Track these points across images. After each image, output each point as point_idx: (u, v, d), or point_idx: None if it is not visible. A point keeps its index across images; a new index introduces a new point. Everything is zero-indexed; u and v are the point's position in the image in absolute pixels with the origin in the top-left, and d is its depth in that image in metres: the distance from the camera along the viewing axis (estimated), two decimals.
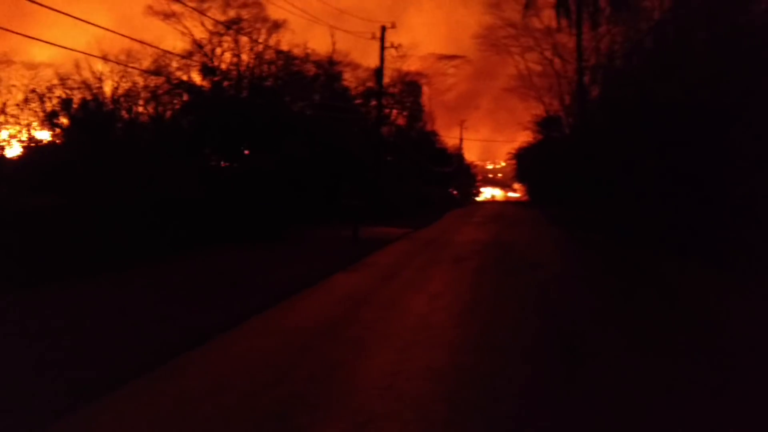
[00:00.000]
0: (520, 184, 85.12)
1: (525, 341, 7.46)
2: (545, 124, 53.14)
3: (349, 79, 41.22)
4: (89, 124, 22.71)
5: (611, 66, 28.00)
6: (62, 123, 23.38)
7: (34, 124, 24.55)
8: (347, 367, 6.36)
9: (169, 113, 27.04)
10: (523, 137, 60.81)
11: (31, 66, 28.71)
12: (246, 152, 27.23)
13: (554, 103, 53.15)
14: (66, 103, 23.44)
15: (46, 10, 11.10)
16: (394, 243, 19.93)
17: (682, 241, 16.29)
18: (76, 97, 23.59)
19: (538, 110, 55.76)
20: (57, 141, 23.22)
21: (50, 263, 11.41)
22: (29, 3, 10.71)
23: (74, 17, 12.35)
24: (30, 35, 14.20)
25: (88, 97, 23.95)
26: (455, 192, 67.98)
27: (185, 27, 30.56)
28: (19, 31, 13.90)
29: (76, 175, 17.92)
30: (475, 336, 7.68)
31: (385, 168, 37.13)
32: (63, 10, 12.20)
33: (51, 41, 15.06)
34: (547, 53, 49.70)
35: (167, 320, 8.18)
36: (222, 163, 26.67)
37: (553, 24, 41.56)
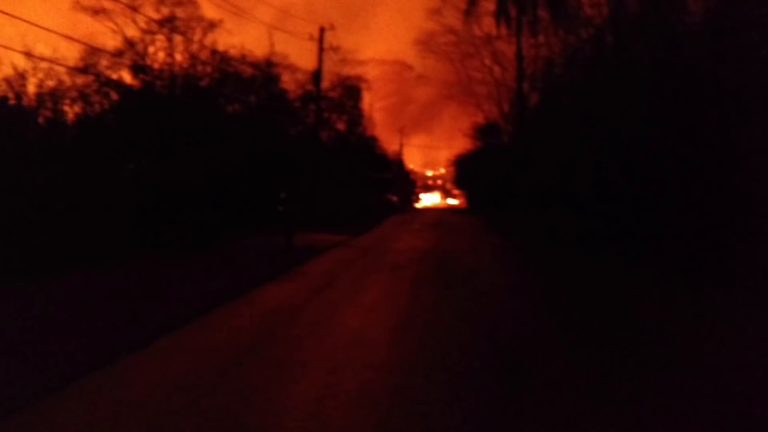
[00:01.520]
0: (459, 191, 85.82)
1: (464, 360, 6.92)
2: (484, 131, 53.59)
3: (287, 81, 40.40)
4: (4, 122, 21.21)
5: (550, 74, 28.16)
6: None
7: None
8: (268, 394, 5.67)
9: (95, 113, 25.75)
10: (463, 144, 61.29)
11: None
12: (177, 155, 26.11)
13: (493, 111, 53.67)
14: None
15: None
16: (331, 251, 19.25)
17: (621, 248, 16.27)
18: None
19: (478, 117, 56.32)
20: None
21: None
22: None
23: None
24: None
25: (9, 95, 22.54)
26: (395, 198, 67.76)
27: (116, 24, 29.26)
28: None
29: None
30: (411, 354, 7.10)
31: (324, 173, 36.45)
32: None
33: None
34: (487, 61, 50.14)
35: (70, 338, 7.29)
36: (151, 166, 25.47)
37: (493, 31, 41.90)
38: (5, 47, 19.76)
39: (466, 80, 55.48)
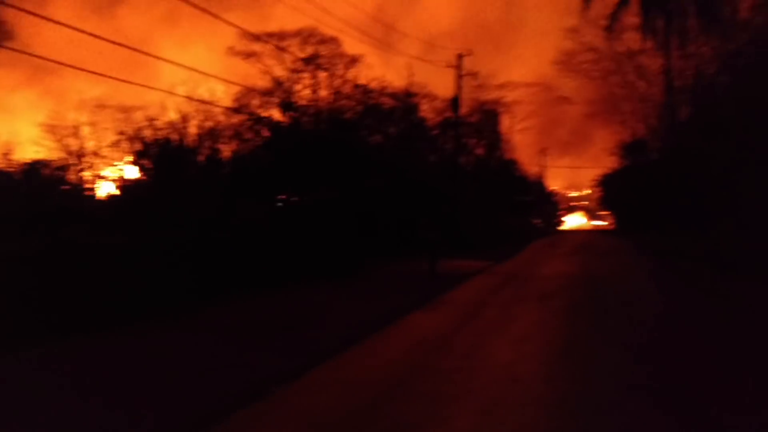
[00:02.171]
0: (606, 212, 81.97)
1: (633, 400, 6.30)
2: (631, 149, 50.87)
3: (426, 110, 40.82)
4: (167, 162, 23.10)
5: (703, 83, 26.22)
6: (145, 163, 24.06)
7: (120, 164, 25.44)
8: None
9: (248, 149, 27.42)
10: (608, 163, 58.63)
11: (123, 109, 30.02)
12: (322, 186, 27.05)
13: (639, 127, 50.92)
14: (148, 144, 24.09)
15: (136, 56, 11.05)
16: (474, 277, 18.87)
17: None
18: (163, 137, 24.26)
19: (623, 135, 53.59)
20: (141, 180, 23.88)
21: (115, 303, 11.10)
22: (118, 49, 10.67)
23: (162, 59, 12.33)
24: (122, 79, 14.47)
25: (175, 137, 24.63)
26: (538, 221, 65.93)
27: (265, 66, 31.28)
28: (111, 75, 14.23)
29: (148, 213, 18.03)
30: (570, 392, 6.58)
31: (464, 198, 36.17)
32: (156, 55, 12.30)
33: (142, 84, 15.42)
34: (631, 76, 47.78)
35: (220, 370, 7.50)
36: (298, 198, 26.57)
37: (636, 46, 39.85)
38: (170, 92, 21.61)
39: (608, 98, 53.21)
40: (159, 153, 23.97)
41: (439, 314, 11.94)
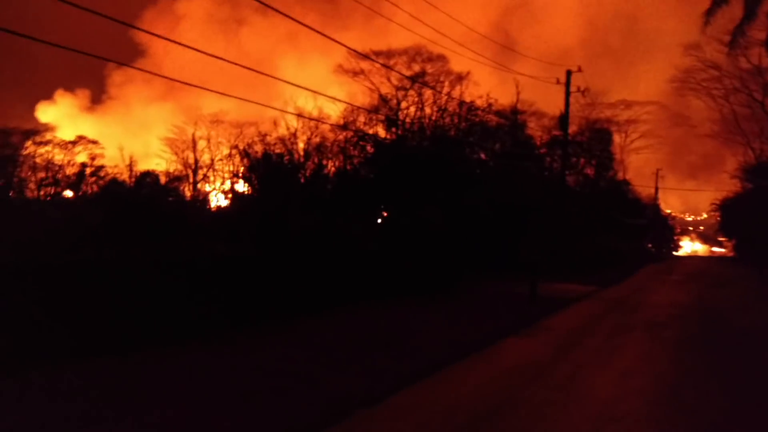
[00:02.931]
0: (726, 238, 76.73)
1: None
2: (756, 172, 47.41)
3: (533, 127, 39.98)
4: (272, 177, 23.77)
5: None
6: (252, 177, 24.93)
7: (230, 178, 26.58)
8: None
9: (353, 165, 27.85)
10: (729, 186, 54.95)
11: (237, 125, 31.56)
12: (422, 202, 26.97)
13: (765, 149, 47.38)
14: (255, 158, 24.96)
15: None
16: (577, 303, 17.98)
17: None
18: (270, 152, 25.11)
19: (747, 157, 50.08)
20: (248, 194, 24.75)
21: (213, 311, 11.36)
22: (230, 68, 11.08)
23: (270, 75, 12.71)
24: (236, 96, 15.06)
25: (283, 152, 25.43)
26: (650, 246, 62.61)
27: (372, 83, 31.81)
28: (224, 92, 14.91)
29: (252, 226, 18.53)
30: None
31: (570, 219, 34.87)
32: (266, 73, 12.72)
33: (254, 101, 16.03)
34: (757, 95, 44.68)
35: (302, 389, 7.39)
36: (399, 214, 26.59)
37: (764, 62, 37.19)
38: (281, 110, 22.42)
39: (731, 117, 50.02)
40: (265, 167, 24.75)
41: (536, 341, 11.37)
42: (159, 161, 29.28)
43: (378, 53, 32.33)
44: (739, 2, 32.84)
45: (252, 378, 7.72)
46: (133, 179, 21.45)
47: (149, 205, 18.20)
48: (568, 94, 28.69)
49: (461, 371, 8.72)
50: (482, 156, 33.54)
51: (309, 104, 25.44)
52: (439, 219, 22.55)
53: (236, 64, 12.63)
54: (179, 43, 12.37)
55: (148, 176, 22.31)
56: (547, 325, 13.35)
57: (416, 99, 32.22)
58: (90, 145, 26.37)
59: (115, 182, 20.42)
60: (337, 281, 15.68)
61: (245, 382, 7.53)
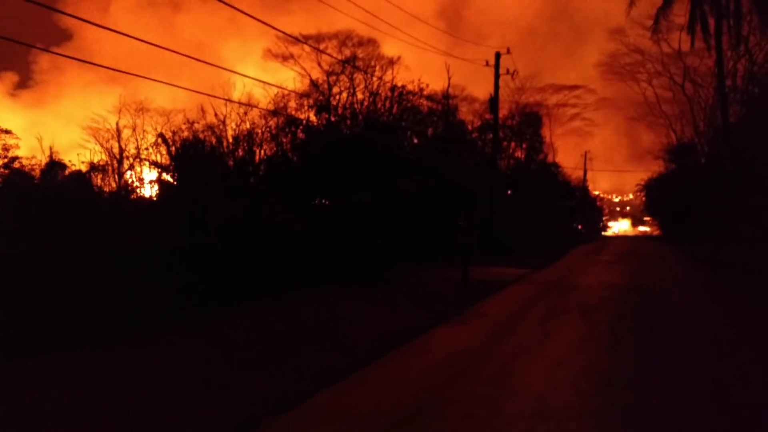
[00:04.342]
0: (651, 218, 79.42)
1: None
2: (677, 153, 49.02)
3: (465, 112, 39.99)
4: (195, 165, 22.67)
5: (761, 81, 24.54)
6: (174, 165, 23.72)
7: (152, 168, 25.21)
8: None
9: (283, 152, 27.01)
10: (653, 167, 56.73)
11: (164, 113, 30.00)
12: (355, 189, 26.36)
13: (687, 130, 48.98)
14: (177, 146, 23.75)
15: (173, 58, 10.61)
16: (510, 286, 17.70)
17: None
18: (192, 139, 23.93)
19: (669, 138, 51.69)
20: (170, 183, 23.54)
21: (126, 309, 10.39)
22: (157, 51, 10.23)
23: (201, 61, 11.77)
24: (162, 81, 14.16)
25: (211, 140, 24.28)
26: (580, 227, 64.01)
27: (303, 68, 31.01)
28: (150, 77, 13.91)
29: (173, 216, 17.51)
30: None
31: (503, 203, 34.94)
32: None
33: (182, 86, 15.03)
34: (678, 78, 45.99)
35: (214, 395, 6.60)
36: (329, 199, 25.91)
37: (685, 47, 38.16)
38: (210, 95, 21.33)
39: (654, 100, 51.46)
40: (187, 156, 23.59)
41: (468, 329, 10.87)
42: (82, 152, 27.55)
43: (307, 37, 31.50)
44: None
45: (149, 386, 6.86)
46: (39, 171, 19.84)
47: (54, 197, 16.83)
48: (497, 76, 28.60)
49: (386, 367, 8.07)
50: (415, 141, 33.17)
51: (239, 90, 24.47)
52: (372, 205, 21.99)
53: (160, 47, 11.81)
54: (99, 26, 11.37)
55: (57, 167, 20.75)
56: (479, 312, 12.91)
57: (348, 84, 31.56)
58: (3, 135, 24.42)
59: (17, 173, 18.79)
60: (265, 271, 14.90)
61: (139, 391, 6.66)
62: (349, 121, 30.14)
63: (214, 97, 22.47)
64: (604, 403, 6.35)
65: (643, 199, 68.32)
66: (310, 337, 9.65)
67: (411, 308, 12.97)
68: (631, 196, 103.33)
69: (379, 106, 32.16)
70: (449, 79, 36.13)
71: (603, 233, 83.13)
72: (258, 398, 6.48)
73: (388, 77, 31.40)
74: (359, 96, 31.79)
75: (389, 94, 31.94)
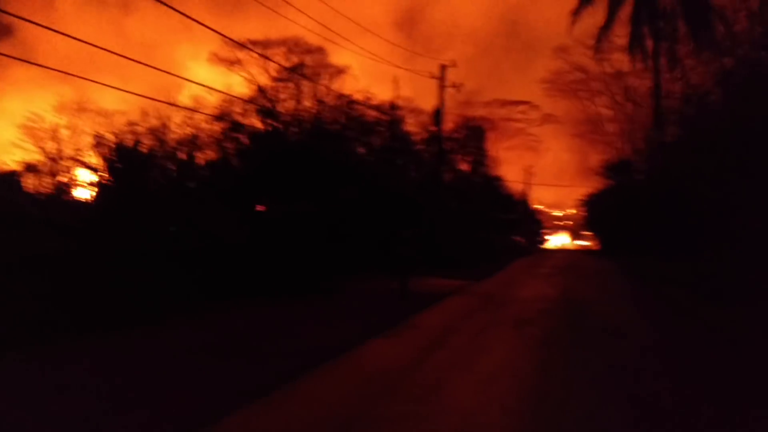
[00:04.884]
0: (590, 232, 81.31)
1: None
2: (616, 170, 50.24)
3: (412, 123, 40.04)
4: (132, 169, 21.95)
5: (694, 102, 25.38)
6: (110, 169, 22.90)
7: (88, 171, 24.23)
8: None
9: (227, 157, 26.50)
10: (593, 183, 58.06)
11: (105, 114, 28.88)
12: (296, 197, 26.01)
13: (626, 148, 50.34)
14: (114, 149, 22.94)
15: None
16: (449, 298, 17.66)
17: None
18: (130, 142, 23.18)
19: (609, 155, 53.02)
20: (106, 187, 22.70)
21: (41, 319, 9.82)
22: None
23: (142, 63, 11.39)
24: (100, 82, 13.63)
25: (154, 143, 23.55)
26: (521, 239, 64.98)
27: (250, 74, 30.52)
28: (89, 78, 13.24)
29: (105, 222, 16.82)
30: None
31: (446, 215, 35.11)
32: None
33: (122, 88, 14.45)
34: (618, 97, 47.27)
35: (121, 413, 6.21)
36: (271, 207, 25.46)
37: (625, 67, 39.23)
38: (152, 99, 20.63)
39: (595, 118, 52.77)
40: (125, 158, 22.81)
41: (401, 342, 10.70)
42: (17, 152, 26.28)
43: (255, 43, 30.99)
44: (603, 5, 34.42)
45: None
46: None
47: None
48: (442, 88, 28.81)
49: (313, 383, 7.79)
50: (361, 150, 33.05)
51: (186, 94, 23.80)
52: (314, 214, 21.70)
53: (96, 46, 11.38)
54: (35, 23, 10.84)
55: None
56: (415, 324, 12.76)
57: (295, 92, 31.23)
58: None
59: None
60: (198, 281, 14.41)
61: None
62: (294, 129, 29.82)
63: (157, 100, 21.76)
64: (530, 422, 6.23)
65: (583, 213, 70.01)
66: (237, 352, 9.29)
67: (346, 320, 12.75)
68: (571, 210, 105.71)
69: (325, 114, 31.93)
70: (397, 90, 36.16)
71: (543, 246, 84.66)
72: (171, 419, 6.12)
73: (335, 86, 31.24)
74: (306, 104, 31.53)
75: (336, 102, 31.77)
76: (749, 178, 15.34)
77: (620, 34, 35.70)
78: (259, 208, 24.46)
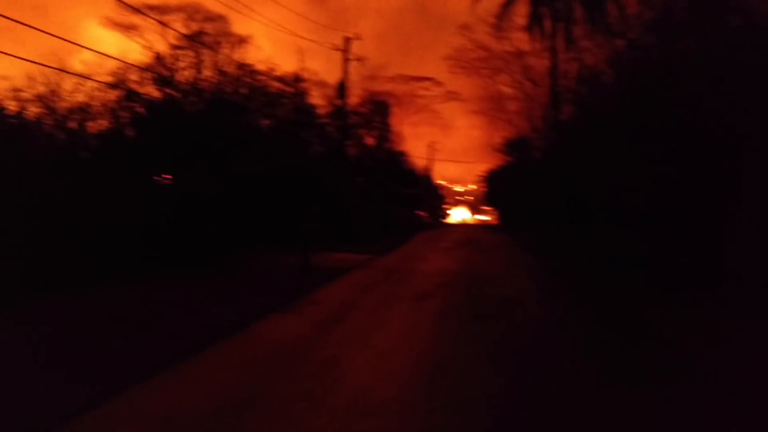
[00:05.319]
0: (490, 207, 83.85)
1: None
2: (515, 147, 51.88)
3: (317, 96, 39.52)
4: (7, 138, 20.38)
5: (587, 82, 26.43)
6: None
7: None
8: None
9: (120, 127, 25.14)
10: (494, 159, 59.69)
11: None
12: (197, 169, 25.11)
13: (525, 126, 52.00)
14: None
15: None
16: (351, 272, 17.66)
17: (678, 275, 14.36)
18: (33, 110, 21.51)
19: (509, 132, 54.62)
20: None
21: None
22: None
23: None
24: None
25: (44, 111, 21.92)
26: (424, 214, 66.08)
27: (147, 41, 28.98)
28: None
29: None
30: (433, 428, 5.46)
31: (351, 189, 35.05)
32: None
33: (7, 53, 13.10)
34: (518, 76, 48.59)
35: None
36: (170, 180, 24.45)
37: (525, 47, 40.27)
38: (41, 64, 19.03)
39: (496, 96, 54.08)
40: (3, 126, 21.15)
41: (301, 318, 10.55)
42: None
43: (152, 8, 29.37)
44: None
45: None
46: None
47: None
48: (346, 60, 28.51)
49: (211, 359, 7.55)
50: (264, 123, 32.32)
51: (78, 60, 22.17)
52: (213, 187, 21.03)
53: None
54: None
55: None
56: (316, 299, 12.64)
57: (195, 61, 29.97)
58: None
59: None
60: (89, 256, 13.62)
61: None
62: (194, 98, 28.74)
63: (46, 66, 20.15)
64: (427, 397, 6.27)
65: (484, 189, 72.03)
66: (128, 330, 8.85)
67: (246, 295, 12.47)
68: (472, 186, 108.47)
69: (227, 84, 30.93)
70: (302, 62, 35.58)
71: (445, 221, 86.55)
72: (55, 401, 5.73)
73: (238, 56, 30.26)
74: (207, 73, 30.39)
75: (238, 73, 30.81)
76: (638, 157, 16.13)
77: (521, 14, 36.59)
78: (157, 179, 23.46)
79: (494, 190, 61.34)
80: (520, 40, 40.27)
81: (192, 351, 7.78)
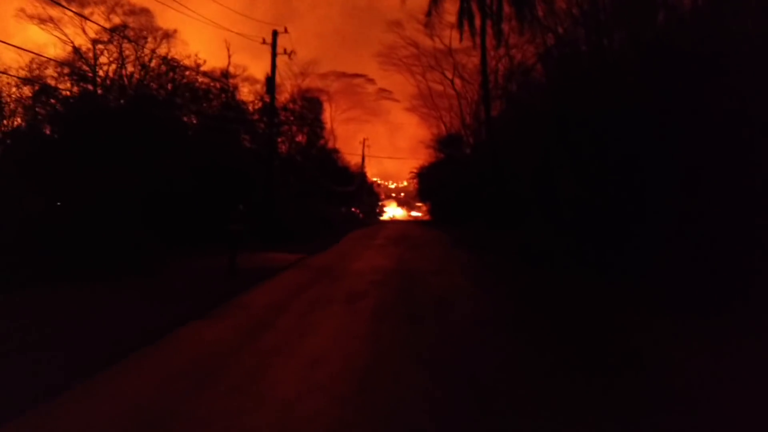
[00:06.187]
0: (423, 203, 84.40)
1: None
2: (446, 143, 52.39)
3: (246, 93, 38.68)
4: None
5: (517, 78, 26.69)
6: None
7: None
8: None
9: (36, 124, 23.75)
10: (426, 156, 60.04)
11: None
12: (118, 167, 23.91)
13: (455, 123, 52.54)
14: None
15: None
16: (281, 273, 17.05)
17: (606, 265, 14.46)
18: None
19: (440, 129, 55.09)
20: None
21: None
22: None
23: None
24: None
25: None
26: (358, 211, 65.79)
27: (65, 34, 27.56)
28: None
29: None
30: None
31: (282, 187, 34.30)
32: None
33: None
34: (448, 73, 49.02)
35: None
36: (89, 180, 23.15)
37: (455, 44, 40.54)
38: None
39: (427, 93, 54.45)
40: None
41: (224, 324, 9.92)
42: None
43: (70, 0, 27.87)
44: None
45: None
46: None
47: None
48: (274, 54, 27.74)
49: (122, 374, 6.88)
50: (192, 120, 31.25)
51: None
52: (134, 186, 19.99)
53: None
54: None
55: None
56: (241, 303, 12.01)
57: (117, 55, 28.67)
58: None
59: None
60: None
61: None
62: (115, 94, 27.50)
63: None
64: (356, 410, 5.83)
65: (416, 185, 72.32)
66: (30, 343, 8.04)
67: (167, 301, 11.72)
68: (405, 182, 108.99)
69: (150, 80, 29.72)
70: (229, 57, 34.58)
71: (379, 218, 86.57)
72: None
73: (163, 51, 29.14)
74: (130, 68, 29.13)
75: (163, 68, 29.68)
76: (567, 151, 16.20)
77: (451, 11, 36.75)
78: (77, 179, 22.19)
79: (426, 187, 61.63)
80: (451, 37, 40.56)
81: (101, 365, 7.10)
